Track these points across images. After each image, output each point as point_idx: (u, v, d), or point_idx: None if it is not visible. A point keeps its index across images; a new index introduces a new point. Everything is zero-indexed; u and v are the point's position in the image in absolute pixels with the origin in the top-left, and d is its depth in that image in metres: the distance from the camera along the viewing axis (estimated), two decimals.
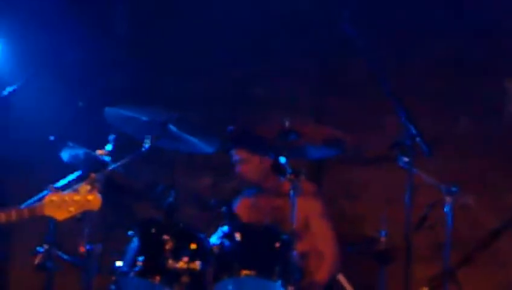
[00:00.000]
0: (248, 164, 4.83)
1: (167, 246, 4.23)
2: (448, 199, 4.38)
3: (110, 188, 4.38)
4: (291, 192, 4.31)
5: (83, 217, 4.30)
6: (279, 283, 4.19)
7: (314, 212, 4.91)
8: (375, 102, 5.10)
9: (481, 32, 5.41)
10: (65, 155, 4.60)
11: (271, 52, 5.66)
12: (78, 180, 4.39)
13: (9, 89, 4.47)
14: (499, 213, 4.78)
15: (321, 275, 4.74)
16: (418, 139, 4.35)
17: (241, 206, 5.06)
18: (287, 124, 4.39)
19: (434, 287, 3.89)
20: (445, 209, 4.40)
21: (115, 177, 4.63)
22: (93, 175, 4.16)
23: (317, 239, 4.87)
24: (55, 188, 3.98)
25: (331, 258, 4.86)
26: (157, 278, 4.19)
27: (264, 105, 5.55)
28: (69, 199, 3.87)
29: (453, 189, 4.40)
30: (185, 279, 4.20)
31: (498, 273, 5.27)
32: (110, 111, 4.50)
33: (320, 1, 5.49)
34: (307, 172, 4.86)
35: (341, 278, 4.61)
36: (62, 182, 4.45)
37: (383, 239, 4.56)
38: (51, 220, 4.06)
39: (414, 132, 4.34)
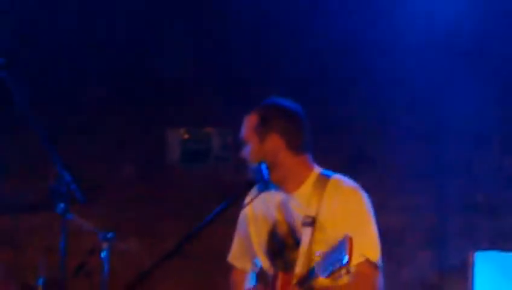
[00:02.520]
0: None
1: None
2: (105, 245, 4.42)
3: None
4: None
5: None
6: None
7: None
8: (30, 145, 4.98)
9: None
10: None
11: None
12: None
13: None
14: (159, 256, 5.00)
15: None
16: (72, 186, 4.42)
17: None
18: None
19: None
20: (102, 255, 4.40)
21: None
22: None
23: None
24: None
25: None
26: None
27: None
28: None
29: (109, 235, 4.41)
30: None
31: None
32: None
33: None
34: None
35: None
36: None
37: (40, 287, 4.59)
38: None
39: (69, 179, 4.39)
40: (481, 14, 5.53)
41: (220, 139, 5.60)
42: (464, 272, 4.93)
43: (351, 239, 3.13)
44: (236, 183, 3.84)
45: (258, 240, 3.82)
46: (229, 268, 4.11)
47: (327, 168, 3.68)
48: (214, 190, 5.20)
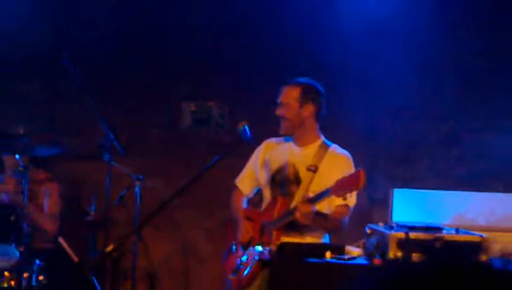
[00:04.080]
0: None
1: None
2: (137, 183, 4.63)
3: None
4: (23, 179, 4.25)
5: None
6: (13, 245, 4.27)
7: (51, 189, 4.82)
8: (85, 112, 5.04)
9: (152, 59, 5.43)
10: None
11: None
12: None
13: None
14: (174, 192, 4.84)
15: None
16: (115, 142, 4.61)
17: None
18: (21, 130, 4.43)
19: (119, 243, 3.90)
20: (136, 190, 4.64)
21: None
22: None
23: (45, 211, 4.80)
24: None
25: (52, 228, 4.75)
26: None
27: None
28: None
29: (140, 177, 4.64)
30: None
31: (175, 234, 5.42)
32: None
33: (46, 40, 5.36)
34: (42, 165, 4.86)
35: (62, 241, 4.60)
36: None
37: (92, 213, 4.77)
38: None
39: (112, 137, 4.59)
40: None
41: (218, 110, 5.50)
42: (386, 203, 4.92)
43: (363, 171, 3.29)
44: (229, 142, 4.01)
45: (266, 173, 3.87)
46: (225, 201, 4.09)
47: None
48: (214, 146, 5.15)
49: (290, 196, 3.74)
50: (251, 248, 3.74)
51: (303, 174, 3.75)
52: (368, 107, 5.34)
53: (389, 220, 4.50)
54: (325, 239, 3.82)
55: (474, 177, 5.12)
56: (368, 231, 3.72)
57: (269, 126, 3.91)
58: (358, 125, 5.25)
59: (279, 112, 3.79)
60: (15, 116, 5.05)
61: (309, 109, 3.77)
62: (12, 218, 4.28)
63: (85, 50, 5.35)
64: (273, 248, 3.62)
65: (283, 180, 3.81)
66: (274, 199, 3.80)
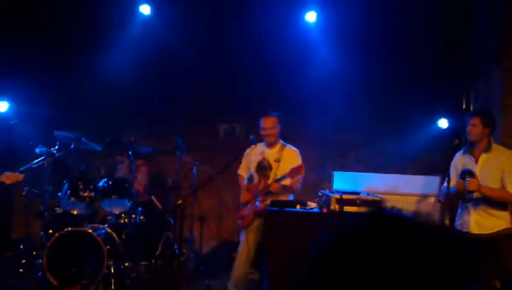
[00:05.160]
0: None
1: (80, 186, 4.21)
2: (195, 167, 4.57)
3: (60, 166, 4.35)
4: (132, 165, 4.41)
5: None
6: (126, 200, 4.29)
7: (143, 170, 4.73)
8: (166, 129, 5.01)
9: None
10: None
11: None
12: None
13: None
14: (215, 173, 4.18)
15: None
16: (182, 144, 4.59)
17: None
18: (132, 139, 4.51)
19: (184, 200, 3.78)
20: (193, 171, 4.60)
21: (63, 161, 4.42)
22: None
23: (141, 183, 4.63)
24: None
25: (142, 190, 4.61)
26: (75, 199, 4.18)
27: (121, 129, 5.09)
28: None
29: (196, 163, 4.62)
30: (87, 200, 4.19)
31: (216, 194, 5.28)
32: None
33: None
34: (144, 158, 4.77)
35: (154, 198, 4.59)
36: None
37: (169, 183, 4.79)
38: None
39: (181, 142, 4.58)
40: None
41: (240, 128, 5.37)
42: (330, 179, 4.73)
43: (303, 166, 3.45)
44: (244, 146, 3.99)
45: (253, 163, 3.90)
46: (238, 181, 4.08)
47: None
48: (237, 149, 4.43)
49: (267, 176, 3.82)
50: (248, 205, 3.87)
51: (272, 163, 3.84)
52: (320, 124, 5.23)
53: (332, 188, 4.42)
54: (290, 197, 3.92)
55: (380, 165, 4.98)
56: (320, 194, 3.75)
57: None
58: (314, 134, 5.16)
59: (266, 132, 3.85)
60: (127, 131, 4.94)
61: (278, 128, 3.88)
62: (126, 185, 4.32)
63: (167, 95, 5.30)
64: (267, 203, 3.76)
65: (262, 168, 3.88)
66: (259, 179, 3.91)
